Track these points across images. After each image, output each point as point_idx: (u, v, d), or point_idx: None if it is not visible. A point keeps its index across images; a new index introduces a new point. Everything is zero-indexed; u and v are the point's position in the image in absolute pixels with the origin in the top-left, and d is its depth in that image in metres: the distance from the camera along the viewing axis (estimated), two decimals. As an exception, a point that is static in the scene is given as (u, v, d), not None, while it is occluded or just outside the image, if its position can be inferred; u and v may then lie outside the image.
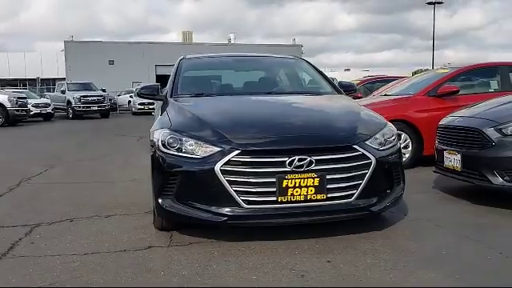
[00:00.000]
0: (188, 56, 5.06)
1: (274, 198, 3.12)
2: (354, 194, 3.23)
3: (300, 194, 3.12)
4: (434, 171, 4.93)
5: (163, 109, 4.16)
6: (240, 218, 3.16)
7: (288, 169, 3.10)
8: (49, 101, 23.60)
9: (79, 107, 23.25)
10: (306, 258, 3.03)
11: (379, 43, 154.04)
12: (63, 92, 24.44)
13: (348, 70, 66.90)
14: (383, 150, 3.39)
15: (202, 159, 3.19)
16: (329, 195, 3.17)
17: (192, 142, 3.28)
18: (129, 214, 4.32)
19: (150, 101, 26.12)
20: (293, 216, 3.18)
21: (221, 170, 3.11)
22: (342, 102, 4.16)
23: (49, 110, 22.28)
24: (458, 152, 4.37)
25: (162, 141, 3.40)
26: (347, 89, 4.67)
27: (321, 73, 4.88)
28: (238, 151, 3.13)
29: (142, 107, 26.40)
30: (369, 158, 3.26)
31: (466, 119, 4.46)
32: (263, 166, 3.12)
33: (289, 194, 3.11)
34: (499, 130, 4.03)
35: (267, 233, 3.42)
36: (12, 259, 3.18)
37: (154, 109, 26.63)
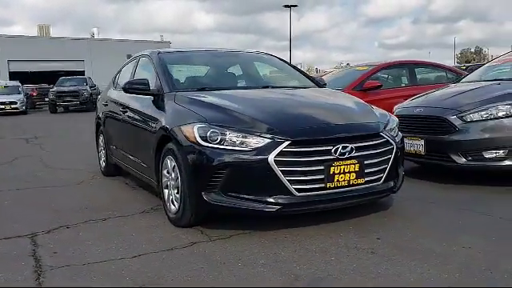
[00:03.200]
0: (162, 50, 4.92)
1: (323, 185, 3.31)
2: (382, 177, 3.58)
3: (344, 180, 3.37)
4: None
5: (164, 104, 4.05)
6: (293, 206, 3.30)
7: (333, 156, 3.33)
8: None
9: None
10: (353, 236, 3.30)
11: (237, 43, 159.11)
12: None
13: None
14: (396, 136, 3.80)
15: (253, 151, 3.25)
16: (366, 179, 3.47)
17: (237, 134, 3.31)
18: (125, 216, 4.12)
19: (13, 100, 24.25)
20: (339, 200, 3.41)
21: (275, 160, 3.21)
22: (340, 94, 4.47)
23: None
24: (422, 138, 4.99)
25: (201, 135, 3.36)
26: (323, 82, 5.00)
27: (295, 67, 5.16)
28: (289, 142, 3.25)
29: (3, 107, 23.75)
30: (392, 144, 3.64)
31: (427, 109, 5.10)
32: (312, 154, 3.29)
33: (335, 180, 3.33)
34: (461, 118, 4.72)
35: (284, 222, 3.59)
36: (58, 270, 2.91)
37: (17, 109, 24.28)
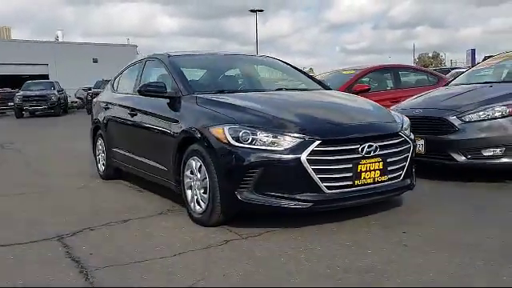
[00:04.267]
0: (172, 53, 4.98)
1: (351, 182, 3.47)
2: (401, 174, 3.77)
3: (370, 177, 3.53)
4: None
5: (183, 107, 4.12)
6: (324, 203, 3.43)
7: (360, 155, 3.49)
8: None
9: None
10: (379, 230, 3.47)
11: (200, 47, 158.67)
12: None
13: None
14: (411, 135, 4.00)
15: (285, 150, 3.37)
16: (389, 176, 3.64)
17: (268, 134, 3.42)
18: (144, 218, 4.16)
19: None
20: (366, 197, 3.58)
21: (307, 159, 3.34)
22: (354, 96, 4.65)
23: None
24: (421, 138, 5.22)
25: (232, 136, 3.46)
26: (328, 85, 5.18)
27: (300, 70, 5.32)
28: (319, 141, 3.39)
29: None
30: (409, 143, 3.83)
31: (426, 110, 5.35)
32: (341, 153, 3.44)
33: (362, 177, 3.49)
34: (460, 118, 4.98)
35: (305, 220, 3.73)
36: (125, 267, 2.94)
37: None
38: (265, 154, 3.38)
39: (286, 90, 4.63)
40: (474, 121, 4.95)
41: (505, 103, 4.92)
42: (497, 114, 4.90)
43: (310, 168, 3.34)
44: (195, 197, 3.86)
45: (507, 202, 4.29)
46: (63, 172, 6.83)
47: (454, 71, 18.39)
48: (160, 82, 4.45)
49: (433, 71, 9.93)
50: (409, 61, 74.76)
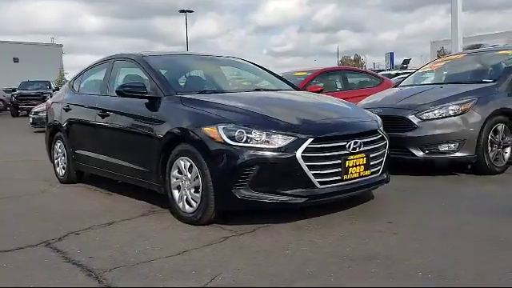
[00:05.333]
0: (146, 53, 4.93)
1: (340, 177, 3.67)
2: (380, 169, 4.03)
3: (356, 172, 3.76)
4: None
5: (167, 107, 4.12)
6: (317, 197, 3.60)
7: (348, 151, 3.70)
8: None
9: None
10: (367, 221, 3.70)
11: (126, 47, 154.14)
12: None
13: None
14: (386, 132, 4.28)
15: (280, 148, 3.50)
16: (371, 170, 3.89)
17: (262, 133, 3.54)
18: (127, 220, 4.11)
19: None
20: (353, 190, 3.80)
21: (302, 156, 3.50)
22: (328, 97, 4.88)
23: None
24: (383, 135, 5.57)
25: (228, 135, 3.54)
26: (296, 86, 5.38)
27: (268, 70, 5.49)
28: (312, 139, 3.56)
29: None
30: (385, 140, 4.11)
31: (386, 109, 5.69)
32: (331, 150, 3.63)
33: (349, 172, 3.71)
34: (418, 116, 5.38)
35: (292, 215, 3.91)
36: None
37: None
38: (260, 152, 3.50)
39: (264, 90, 4.76)
40: (431, 119, 5.36)
41: (457, 102, 5.37)
42: (450, 113, 5.34)
43: (304, 164, 3.50)
44: (184, 196, 3.88)
45: (464, 191, 4.73)
46: (13, 178, 6.52)
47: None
48: (139, 82, 4.41)
49: (376, 73, 10.50)
50: (333, 63, 77.51)
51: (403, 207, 4.15)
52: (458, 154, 5.31)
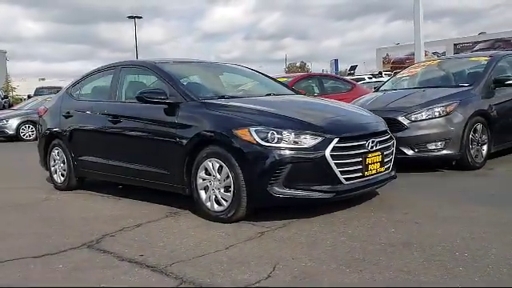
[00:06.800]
0: (157, 61, 5.08)
1: (361, 174, 4.00)
2: (390, 166, 4.40)
3: (374, 168, 4.10)
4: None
5: (191, 112, 4.29)
6: (343, 193, 3.91)
7: (367, 150, 4.04)
8: None
9: None
10: (385, 213, 4.04)
11: (68, 53, 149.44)
12: None
13: (43, 79, 64.34)
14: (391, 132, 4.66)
15: (311, 148, 3.79)
16: (385, 167, 4.25)
17: (291, 134, 3.80)
18: (155, 221, 4.25)
19: None
20: (372, 185, 4.14)
21: (330, 155, 3.80)
22: (333, 100, 5.21)
23: None
24: (374, 136, 5.98)
25: (260, 136, 3.78)
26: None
27: (268, 76, 5.78)
28: (338, 139, 3.87)
29: None
30: (393, 139, 4.49)
31: (377, 112, 5.99)
32: (354, 149, 3.96)
33: (369, 169, 4.05)
34: (408, 118, 5.84)
35: (313, 210, 4.22)
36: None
37: None
38: (292, 152, 3.76)
39: (275, 95, 5.02)
40: (420, 120, 5.83)
41: (442, 104, 5.87)
42: (436, 114, 5.83)
43: (332, 162, 3.80)
44: (213, 196, 4.08)
45: (457, 185, 5.21)
46: (7, 187, 6.44)
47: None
48: (159, 88, 4.57)
49: (348, 79, 11.05)
50: (280, 70, 78.63)
51: (412, 200, 4.52)
52: (444, 152, 5.80)
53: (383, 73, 37.15)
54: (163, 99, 4.44)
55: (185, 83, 4.70)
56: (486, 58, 6.82)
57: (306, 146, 3.79)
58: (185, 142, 4.24)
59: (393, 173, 4.49)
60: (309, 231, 3.68)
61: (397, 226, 3.70)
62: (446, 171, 5.96)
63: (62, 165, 5.87)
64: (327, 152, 3.79)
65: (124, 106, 5.03)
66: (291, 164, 3.76)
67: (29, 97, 27.35)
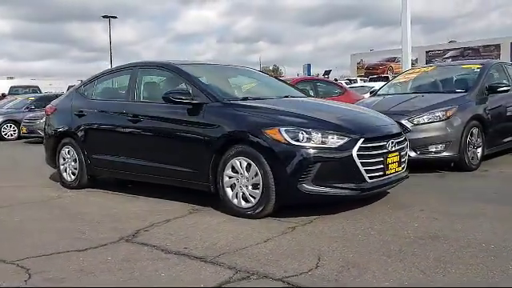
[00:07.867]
0: (177, 62, 5.21)
1: (383, 173, 4.24)
2: (405, 166, 4.66)
3: (393, 168, 4.35)
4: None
5: (217, 112, 4.45)
6: (368, 190, 4.14)
7: (387, 150, 4.28)
8: None
9: None
10: (402, 211, 4.29)
11: (36, 52, 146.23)
12: None
13: (12, 77, 62.91)
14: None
15: (339, 147, 4.00)
16: (401, 166, 4.51)
17: (319, 134, 4.01)
18: (182, 217, 4.37)
19: None
20: (392, 183, 4.39)
21: (357, 154, 4.02)
22: (347, 103, 5.46)
23: None
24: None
25: (291, 136, 3.98)
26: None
27: (279, 79, 5.98)
28: (363, 139, 4.09)
29: None
30: (406, 140, 4.76)
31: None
32: (377, 149, 4.19)
33: (389, 168, 4.29)
34: (411, 121, 6.13)
35: (331, 208, 4.44)
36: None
37: None
38: (321, 151, 3.97)
39: (292, 97, 5.21)
40: (422, 123, 6.13)
41: (442, 109, 6.20)
42: (437, 118, 6.15)
43: (358, 161, 4.02)
44: (240, 193, 4.24)
45: (459, 185, 5.51)
46: (13, 185, 6.43)
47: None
48: (184, 89, 4.70)
49: (340, 84, 11.37)
50: (256, 73, 78.28)
51: (422, 199, 4.78)
52: (444, 154, 6.12)
53: (358, 79, 37.97)
54: (189, 100, 4.58)
55: (208, 84, 4.84)
56: (479, 66, 7.21)
57: (333, 145, 4.00)
58: (212, 141, 4.39)
59: (406, 172, 4.75)
60: (337, 226, 3.88)
61: (418, 222, 3.94)
62: (445, 172, 6.27)
63: (72, 163, 5.90)
64: (354, 152, 4.01)
65: (144, 105, 5.14)
66: (320, 163, 3.96)
67: (3, 95, 26.70)
